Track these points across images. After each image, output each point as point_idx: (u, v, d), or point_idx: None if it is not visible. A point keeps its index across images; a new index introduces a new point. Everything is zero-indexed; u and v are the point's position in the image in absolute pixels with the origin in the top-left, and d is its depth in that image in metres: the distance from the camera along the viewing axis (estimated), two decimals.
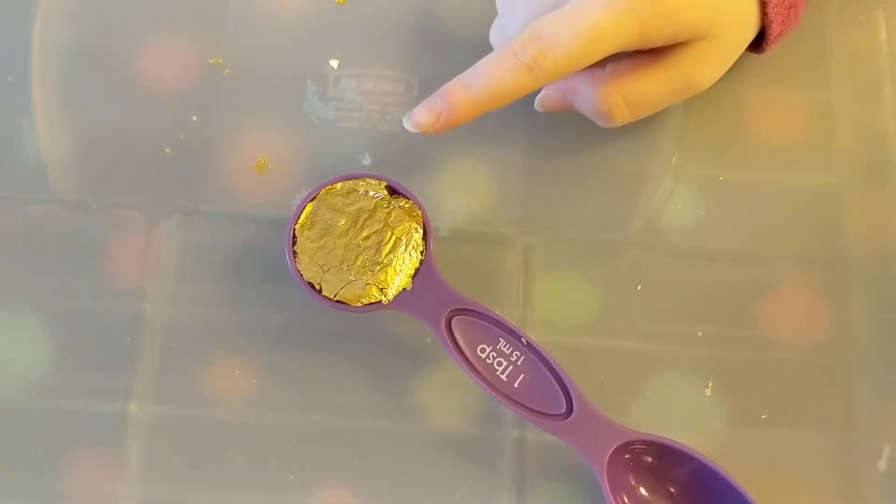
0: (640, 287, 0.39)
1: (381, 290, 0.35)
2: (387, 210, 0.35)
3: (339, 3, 0.41)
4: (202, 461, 0.37)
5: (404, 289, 0.35)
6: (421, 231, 0.35)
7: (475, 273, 0.39)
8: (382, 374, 0.38)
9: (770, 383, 0.38)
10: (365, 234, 0.35)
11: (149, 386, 0.37)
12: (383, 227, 0.35)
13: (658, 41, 0.34)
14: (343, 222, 0.35)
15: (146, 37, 0.41)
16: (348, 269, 0.35)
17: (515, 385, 0.34)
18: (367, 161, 0.40)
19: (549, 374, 0.34)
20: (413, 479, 0.37)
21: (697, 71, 0.36)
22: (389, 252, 0.35)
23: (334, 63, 0.41)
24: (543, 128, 0.40)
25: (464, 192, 0.40)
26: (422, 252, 0.35)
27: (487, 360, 0.35)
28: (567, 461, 0.37)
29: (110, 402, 0.37)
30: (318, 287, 0.35)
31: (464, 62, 0.40)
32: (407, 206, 0.35)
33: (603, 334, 0.38)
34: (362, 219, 0.35)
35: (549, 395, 0.34)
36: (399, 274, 0.35)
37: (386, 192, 0.35)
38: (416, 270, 0.35)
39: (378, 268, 0.34)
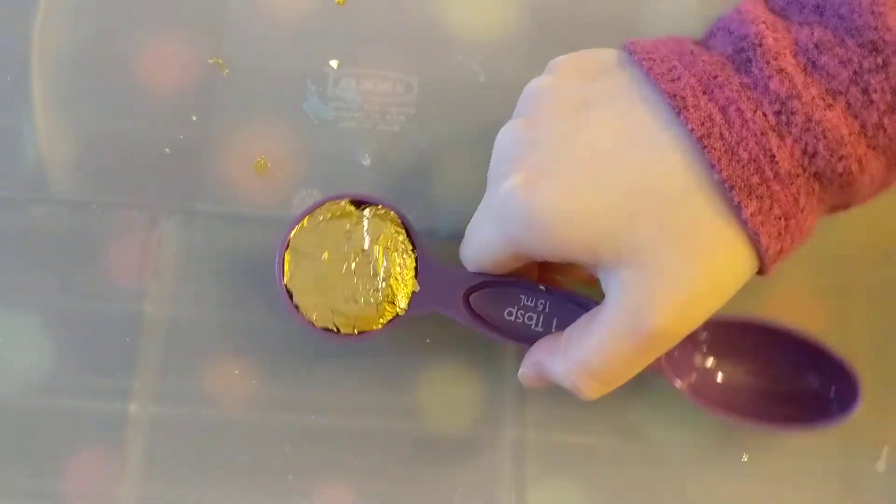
0: None
1: (392, 303, 0.34)
2: (360, 225, 0.35)
3: (339, 3, 0.41)
4: (202, 461, 0.37)
5: (413, 292, 0.34)
6: (402, 230, 0.35)
7: None
8: (382, 374, 0.38)
9: None
10: (352, 257, 0.34)
11: (149, 386, 0.38)
12: (366, 243, 0.34)
13: (545, 256, 0.30)
14: (326, 257, 0.34)
15: (146, 37, 0.41)
16: (355, 300, 0.34)
17: (553, 330, 0.34)
18: (366, 161, 0.40)
19: (573, 305, 0.34)
20: (413, 479, 0.37)
21: (643, 312, 0.28)
22: (383, 264, 0.34)
23: (334, 63, 0.41)
24: None
25: (464, 192, 0.40)
26: (412, 250, 0.35)
27: (518, 320, 0.34)
28: (567, 461, 0.37)
29: (110, 402, 0.37)
30: (335, 329, 0.34)
31: (464, 62, 0.40)
32: (380, 211, 0.35)
33: None
34: (342, 245, 0.34)
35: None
36: (402, 280, 0.34)
37: (352, 208, 0.35)
38: (416, 269, 0.35)
39: (381, 284, 0.34)
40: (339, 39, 0.41)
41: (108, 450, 0.37)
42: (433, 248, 0.35)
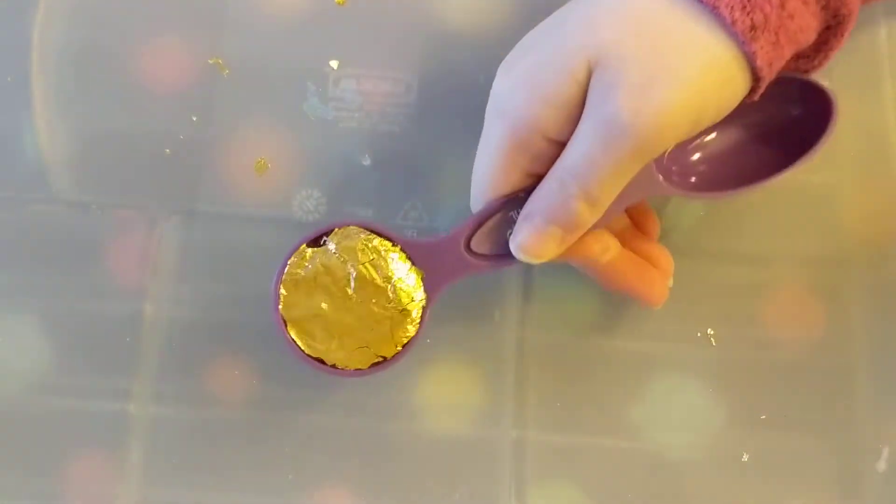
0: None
1: (412, 299, 0.34)
2: (334, 256, 0.34)
3: (339, 3, 0.41)
4: (202, 461, 0.37)
5: (421, 279, 0.34)
6: (372, 234, 0.34)
7: None
8: (382, 374, 0.38)
9: (770, 383, 0.38)
10: (348, 289, 0.34)
11: (149, 386, 0.38)
12: (351, 267, 0.34)
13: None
14: (326, 305, 0.33)
15: (146, 37, 0.41)
16: (374, 324, 0.33)
17: None
18: (367, 161, 0.40)
19: None
20: (413, 479, 0.37)
21: (609, 103, 0.29)
22: (378, 276, 0.34)
23: (334, 63, 0.41)
24: None
25: (464, 193, 0.39)
26: (393, 245, 0.34)
27: None
28: (567, 461, 0.37)
29: (110, 402, 0.37)
30: (378, 359, 0.33)
31: (464, 62, 0.40)
32: (340, 232, 0.34)
33: (603, 334, 0.38)
34: (333, 282, 0.34)
35: None
36: (405, 279, 0.34)
37: (313, 248, 0.34)
38: (410, 259, 0.34)
39: (391, 294, 0.34)
40: (339, 40, 0.41)
41: (108, 450, 0.37)
42: (392, 232, 0.34)
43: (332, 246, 0.34)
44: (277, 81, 0.40)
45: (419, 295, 0.34)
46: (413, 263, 0.34)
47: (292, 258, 0.34)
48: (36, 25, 0.41)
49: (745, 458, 0.37)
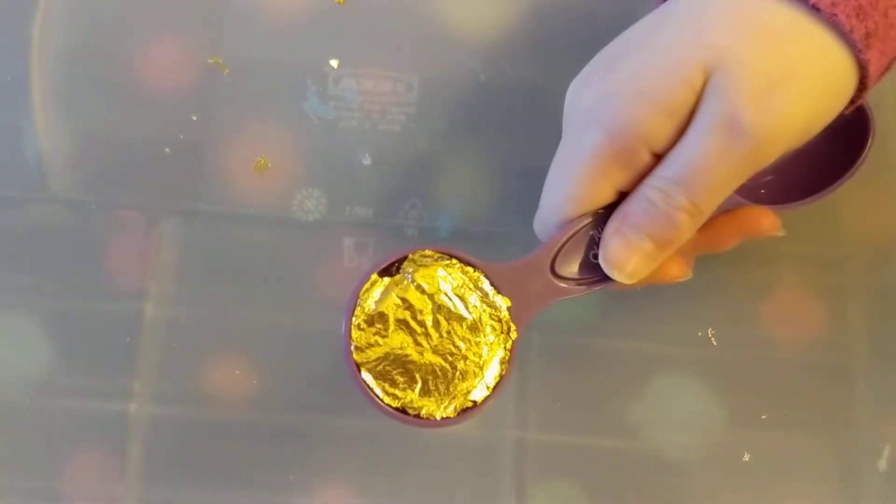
0: (640, 287, 0.39)
1: (503, 332, 0.30)
2: (412, 286, 0.30)
3: (339, 3, 0.41)
4: (202, 461, 0.37)
5: (508, 307, 0.30)
6: (452, 259, 0.31)
7: None
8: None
9: (770, 383, 0.38)
10: (429, 324, 0.30)
11: (149, 386, 0.37)
12: (432, 298, 0.30)
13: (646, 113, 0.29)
14: (406, 343, 0.30)
15: (146, 37, 0.41)
16: (461, 363, 0.30)
17: None
18: (367, 161, 0.40)
19: None
20: (413, 480, 0.37)
21: (731, 109, 0.28)
22: (463, 308, 0.30)
23: (334, 63, 0.41)
24: (544, 128, 0.40)
25: (464, 192, 0.40)
26: (475, 271, 0.31)
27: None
28: (567, 461, 0.37)
29: (110, 402, 0.37)
30: (469, 403, 0.30)
31: (464, 62, 0.40)
32: (415, 258, 0.30)
33: (603, 334, 0.38)
34: (412, 316, 0.30)
35: None
36: (493, 309, 0.30)
37: (384, 275, 0.30)
38: (495, 286, 0.31)
39: (480, 328, 0.30)
40: (339, 39, 0.41)
41: (108, 450, 0.37)
42: (470, 250, 0.32)
43: (408, 274, 0.30)
44: (277, 81, 0.40)
45: (509, 327, 0.30)
46: (498, 291, 0.31)
47: (363, 292, 0.30)
48: (36, 25, 0.41)
49: (746, 457, 0.37)
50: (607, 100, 0.29)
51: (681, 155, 0.29)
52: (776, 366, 0.38)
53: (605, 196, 0.31)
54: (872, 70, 0.29)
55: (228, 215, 0.39)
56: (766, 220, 0.34)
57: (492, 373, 0.30)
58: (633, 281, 0.30)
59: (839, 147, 0.35)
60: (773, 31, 0.29)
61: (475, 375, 0.30)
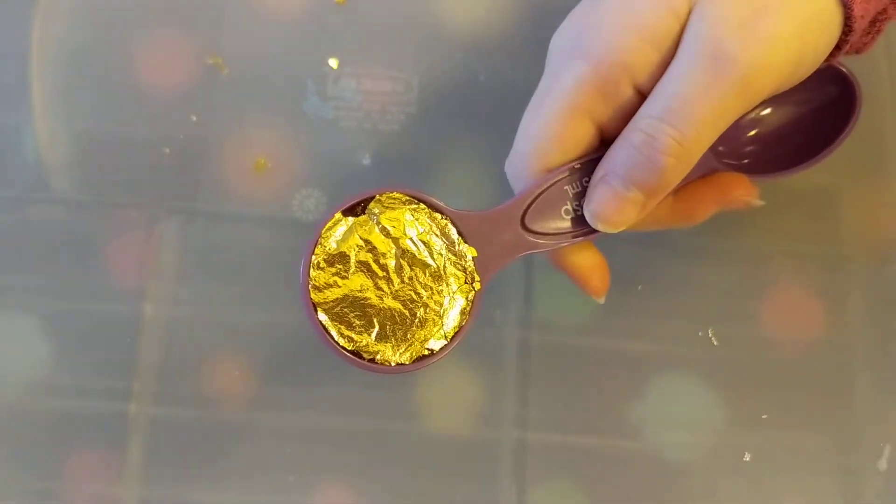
0: (640, 287, 0.39)
1: (466, 282, 0.29)
2: (376, 228, 0.29)
3: (338, 2, 0.41)
4: (202, 461, 0.37)
5: (474, 258, 0.29)
6: (419, 204, 0.29)
7: None
8: (382, 375, 0.38)
9: (770, 383, 0.38)
10: (391, 268, 0.29)
11: (149, 386, 0.37)
12: (396, 242, 0.29)
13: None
14: (366, 287, 0.28)
15: (145, 37, 0.41)
16: (421, 311, 0.29)
17: None
18: (367, 161, 0.40)
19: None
20: (413, 480, 0.37)
21: (712, 34, 0.27)
22: (428, 254, 0.29)
23: (334, 62, 0.41)
24: None
25: (464, 192, 0.40)
26: (443, 217, 0.29)
27: (579, 212, 0.30)
28: (567, 461, 0.37)
29: (110, 403, 0.37)
30: (425, 352, 0.29)
31: (464, 62, 0.40)
32: (382, 200, 0.29)
33: (603, 334, 0.38)
34: (374, 259, 0.29)
35: None
36: (458, 258, 0.29)
37: (349, 215, 0.29)
38: (461, 235, 0.29)
39: (442, 275, 0.29)
40: (339, 39, 0.41)
41: (108, 450, 0.37)
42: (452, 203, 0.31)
43: (374, 216, 0.29)
44: (277, 81, 0.40)
45: (473, 277, 0.29)
46: (465, 240, 0.29)
47: (325, 230, 0.29)
48: (35, 26, 0.41)
49: (747, 457, 0.37)
50: (591, 30, 0.29)
51: (666, 87, 0.27)
52: (776, 366, 0.38)
53: (586, 137, 0.29)
54: (857, 10, 0.28)
55: (228, 215, 0.39)
56: (742, 188, 0.33)
57: (451, 323, 0.29)
58: (618, 230, 0.29)
59: (825, 122, 0.35)
60: None
61: (434, 324, 0.29)
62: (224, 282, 0.38)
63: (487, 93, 0.40)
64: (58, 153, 0.39)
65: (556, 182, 0.30)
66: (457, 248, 0.29)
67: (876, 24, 0.31)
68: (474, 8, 0.41)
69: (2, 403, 0.37)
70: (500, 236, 0.29)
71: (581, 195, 0.30)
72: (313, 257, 0.28)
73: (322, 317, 0.28)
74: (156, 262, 0.39)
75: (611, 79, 0.28)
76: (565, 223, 0.30)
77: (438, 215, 0.29)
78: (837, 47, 0.30)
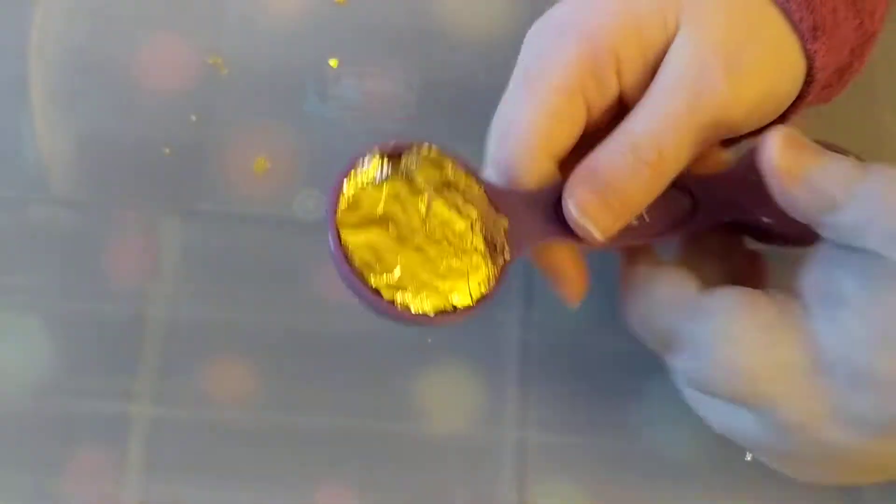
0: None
1: (496, 250, 0.28)
2: (407, 182, 0.27)
3: (338, 2, 0.41)
4: (202, 461, 0.37)
5: (505, 230, 0.28)
6: (458, 166, 0.28)
7: None
8: (382, 375, 0.38)
9: None
10: (422, 217, 0.27)
11: (149, 386, 0.37)
12: (427, 199, 0.27)
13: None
14: (392, 231, 0.27)
15: (145, 37, 0.41)
16: (446, 268, 0.27)
17: (646, 218, 0.30)
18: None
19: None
20: (414, 480, 0.37)
21: (703, 65, 0.28)
22: (459, 216, 0.27)
23: (334, 63, 0.41)
24: None
25: None
26: (479, 183, 0.28)
27: None
28: (568, 461, 0.37)
29: (111, 403, 0.37)
30: (449, 307, 0.27)
31: (464, 62, 0.40)
32: (419, 152, 0.28)
33: (603, 334, 0.38)
34: (402, 210, 0.27)
35: (670, 202, 0.31)
36: (489, 225, 0.28)
37: (388, 161, 0.28)
38: (494, 205, 0.28)
39: (472, 238, 0.27)
40: (339, 39, 0.41)
41: (109, 450, 0.37)
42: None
43: (411, 165, 0.28)
44: (277, 81, 0.40)
45: (504, 247, 0.28)
46: (498, 211, 0.28)
47: (359, 168, 0.27)
48: (34, 26, 0.41)
49: (748, 457, 0.37)
50: (586, 10, 0.29)
51: (654, 104, 0.28)
52: None
53: (582, 118, 0.29)
54: (819, 63, 0.30)
55: (228, 215, 0.39)
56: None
57: (476, 284, 0.27)
58: (597, 231, 0.29)
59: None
60: (739, 1, 0.29)
61: (460, 277, 0.27)
62: (224, 282, 0.38)
63: (487, 93, 0.40)
64: (58, 153, 0.39)
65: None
66: (489, 215, 0.28)
67: (843, 77, 0.33)
68: (474, 8, 0.41)
69: (2, 403, 0.37)
70: (536, 215, 0.29)
71: None
72: (342, 194, 0.27)
73: (348, 246, 0.26)
74: (156, 262, 0.39)
75: (602, 62, 0.29)
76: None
77: (475, 181, 0.28)
78: (801, 97, 0.31)
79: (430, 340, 0.38)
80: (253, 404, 0.38)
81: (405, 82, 0.41)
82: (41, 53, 0.40)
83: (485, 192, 0.28)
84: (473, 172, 0.28)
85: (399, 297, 0.26)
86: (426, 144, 0.28)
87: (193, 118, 0.40)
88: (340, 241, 0.26)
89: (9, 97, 0.40)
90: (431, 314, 0.26)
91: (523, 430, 0.37)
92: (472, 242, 0.27)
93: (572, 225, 0.29)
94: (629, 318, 0.30)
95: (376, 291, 0.26)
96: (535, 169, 0.29)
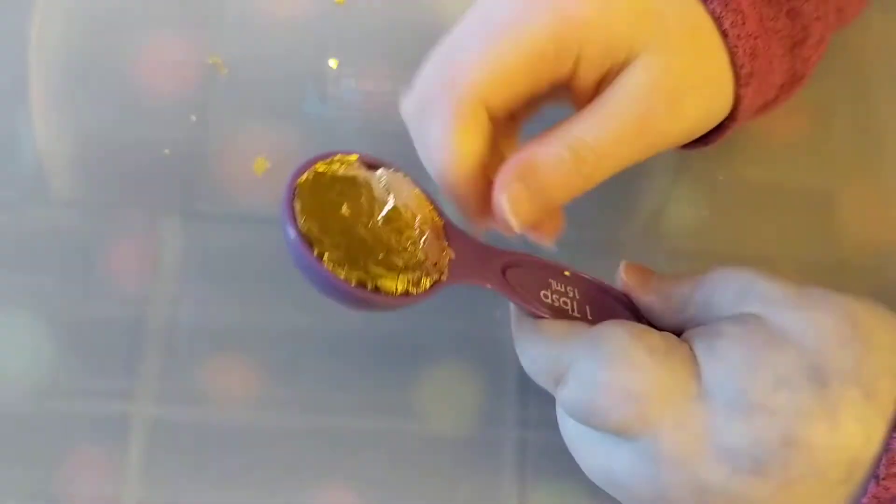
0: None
1: (435, 265, 0.29)
2: (378, 183, 0.30)
3: (338, 2, 0.41)
4: (202, 461, 0.37)
5: (450, 259, 0.30)
6: (424, 196, 0.31)
7: None
8: (382, 375, 0.38)
9: None
10: (376, 213, 0.29)
11: (149, 386, 0.37)
12: (390, 200, 0.29)
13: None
14: (346, 210, 0.29)
15: (144, 37, 0.41)
16: (390, 259, 0.28)
17: (589, 317, 0.32)
18: None
19: (601, 293, 0.33)
20: (414, 480, 0.37)
21: (658, 92, 0.29)
22: (415, 223, 0.30)
23: (334, 63, 0.41)
24: (543, 128, 0.40)
25: None
26: (439, 217, 0.31)
27: (554, 303, 0.31)
28: (569, 461, 0.37)
29: (110, 403, 0.37)
30: (372, 287, 0.28)
31: None
32: (391, 173, 0.31)
33: None
34: (361, 199, 0.29)
35: (614, 310, 0.32)
36: (438, 243, 0.30)
37: (364, 168, 0.30)
38: (446, 235, 0.30)
39: (421, 243, 0.29)
40: (339, 39, 0.41)
41: (109, 450, 0.37)
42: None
43: (382, 173, 0.30)
44: (277, 81, 0.40)
45: (441, 271, 0.30)
46: (450, 245, 0.30)
47: (341, 158, 0.30)
48: (34, 26, 0.40)
49: None
50: None
51: (603, 118, 0.29)
52: None
53: (531, 90, 0.30)
54: (745, 105, 0.32)
55: (228, 216, 0.39)
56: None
57: (405, 281, 0.29)
58: (523, 222, 0.30)
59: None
60: (695, 30, 0.30)
61: (391, 270, 0.28)
62: (224, 282, 0.38)
63: None
64: (58, 154, 0.39)
65: (540, 267, 0.32)
66: (439, 242, 0.30)
67: (766, 108, 0.34)
68: None
69: (2, 403, 0.37)
70: (477, 261, 0.31)
71: (566, 297, 0.32)
72: (313, 168, 0.30)
73: (293, 209, 0.29)
74: (156, 262, 0.39)
75: (568, 45, 0.29)
76: (540, 302, 0.31)
77: (437, 215, 0.31)
78: (720, 130, 0.33)
79: (429, 340, 0.38)
80: (253, 404, 0.38)
81: (406, 82, 0.40)
82: (41, 54, 0.40)
83: (443, 227, 0.30)
84: (438, 208, 0.31)
85: (330, 266, 0.27)
86: (402, 171, 0.30)
87: (193, 118, 0.40)
88: (294, 200, 0.29)
89: (9, 97, 0.40)
90: (353, 283, 0.27)
91: (523, 430, 0.37)
92: (415, 251, 0.29)
93: (497, 211, 0.30)
94: (522, 358, 0.31)
95: (318, 258, 0.28)
96: (475, 108, 0.30)
